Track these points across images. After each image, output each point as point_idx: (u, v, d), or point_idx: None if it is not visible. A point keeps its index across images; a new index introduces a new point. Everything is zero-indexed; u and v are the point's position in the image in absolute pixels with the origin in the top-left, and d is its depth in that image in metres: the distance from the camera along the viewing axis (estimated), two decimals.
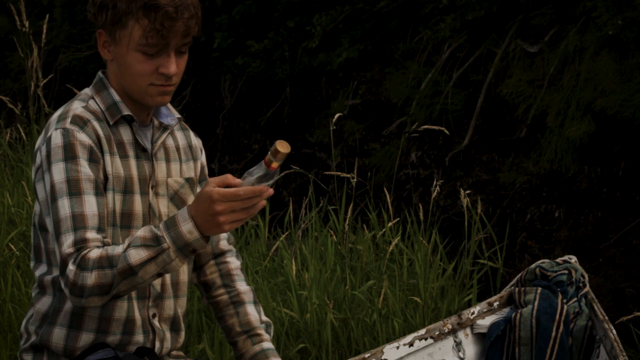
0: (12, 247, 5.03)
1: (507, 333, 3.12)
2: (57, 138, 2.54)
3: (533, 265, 3.24)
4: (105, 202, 2.55)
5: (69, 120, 2.56)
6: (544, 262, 3.24)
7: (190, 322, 4.54)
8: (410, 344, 3.01)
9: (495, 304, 3.20)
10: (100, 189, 2.54)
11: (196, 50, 8.23)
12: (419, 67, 6.93)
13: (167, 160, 2.71)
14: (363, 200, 5.82)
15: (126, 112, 2.62)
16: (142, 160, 2.65)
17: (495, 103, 6.48)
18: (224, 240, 2.87)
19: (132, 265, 2.42)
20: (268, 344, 2.79)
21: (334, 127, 5.30)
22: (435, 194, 4.87)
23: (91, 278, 2.44)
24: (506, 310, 3.20)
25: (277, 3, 7.85)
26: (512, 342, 3.11)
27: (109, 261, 2.44)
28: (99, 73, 2.68)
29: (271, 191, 2.37)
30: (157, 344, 2.69)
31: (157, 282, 2.67)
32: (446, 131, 5.27)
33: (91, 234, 2.48)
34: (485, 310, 3.17)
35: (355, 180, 4.86)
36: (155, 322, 2.68)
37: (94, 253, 2.45)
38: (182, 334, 2.77)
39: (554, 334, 3.09)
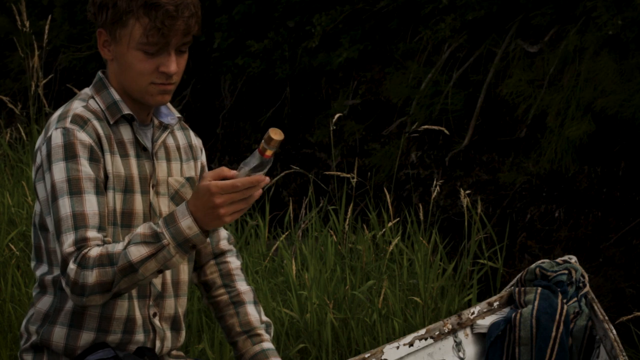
0: (12, 247, 5.03)
1: (507, 333, 3.12)
2: (57, 137, 2.55)
3: (533, 265, 3.24)
4: (105, 201, 2.55)
5: (69, 119, 2.57)
6: (544, 262, 3.24)
7: (190, 322, 4.54)
8: (410, 344, 3.01)
9: (495, 304, 3.20)
10: (101, 188, 2.55)
11: (196, 50, 8.23)
12: (419, 67, 6.93)
13: (168, 159, 2.72)
14: (363, 200, 5.82)
15: (126, 111, 2.63)
16: (143, 159, 2.66)
17: (495, 103, 6.48)
18: (224, 240, 2.88)
19: (132, 262, 2.42)
20: (268, 344, 2.79)
21: (334, 127, 5.30)
22: (435, 194, 4.87)
23: (92, 276, 2.44)
24: (506, 310, 3.20)
25: (277, 3, 7.85)
26: (512, 342, 3.11)
27: (110, 259, 2.44)
28: (99, 73, 2.68)
29: (267, 179, 2.39)
30: (158, 343, 2.69)
31: (157, 281, 2.67)
32: (446, 131, 5.28)
33: (92, 233, 2.48)
34: (485, 310, 3.17)
35: (355, 180, 4.86)
36: (156, 321, 2.68)
37: (95, 251, 2.46)
38: (183, 333, 2.77)
39: (554, 334, 3.09)
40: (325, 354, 4.29)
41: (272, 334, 2.83)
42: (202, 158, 2.84)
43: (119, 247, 2.45)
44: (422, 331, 3.05)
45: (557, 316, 3.10)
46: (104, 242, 2.49)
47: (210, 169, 2.67)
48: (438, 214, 6.23)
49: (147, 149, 2.67)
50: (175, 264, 2.46)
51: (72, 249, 2.47)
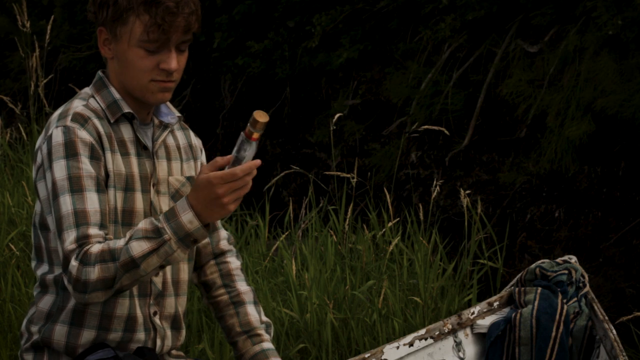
0: (12, 247, 5.03)
1: (507, 333, 3.12)
2: (58, 136, 2.55)
3: (533, 265, 3.24)
4: (107, 199, 2.56)
5: (69, 118, 2.57)
6: (544, 262, 3.24)
7: (190, 322, 4.54)
8: (410, 344, 3.01)
9: (495, 304, 3.20)
10: (102, 185, 2.55)
11: (196, 50, 8.23)
12: (419, 67, 6.93)
13: (168, 158, 2.72)
14: (363, 200, 5.82)
15: (127, 109, 2.63)
16: (143, 158, 2.66)
17: (495, 103, 6.48)
18: (224, 240, 2.88)
19: (134, 257, 2.43)
20: (268, 344, 2.79)
21: (334, 127, 5.30)
22: (435, 194, 4.87)
23: (94, 273, 2.44)
24: (506, 310, 3.20)
25: (277, 3, 7.85)
26: (512, 342, 3.11)
27: (111, 254, 2.44)
28: (99, 72, 2.69)
29: (259, 162, 2.42)
30: (159, 342, 2.69)
31: (158, 280, 2.67)
32: (446, 131, 5.28)
33: (94, 230, 2.49)
34: (485, 310, 3.18)
35: (355, 180, 4.86)
36: (157, 319, 2.68)
37: (96, 248, 2.46)
38: (183, 332, 2.78)
39: (554, 334, 3.09)
40: (325, 354, 4.29)
41: (272, 334, 2.83)
42: (202, 158, 2.84)
43: (120, 242, 2.45)
44: (422, 331, 3.05)
45: (557, 316, 3.10)
46: (106, 239, 2.50)
47: None
48: (438, 214, 6.23)
49: (147, 147, 2.67)
50: (177, 259, 2.46)
51: (73, 246, 2.47)
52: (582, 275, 3.22)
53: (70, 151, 2.53)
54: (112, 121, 2.63)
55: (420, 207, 4.94)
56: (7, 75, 9.79)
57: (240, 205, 5.90)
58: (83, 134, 2.55)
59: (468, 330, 3.15)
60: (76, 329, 2.62)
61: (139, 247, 2.43)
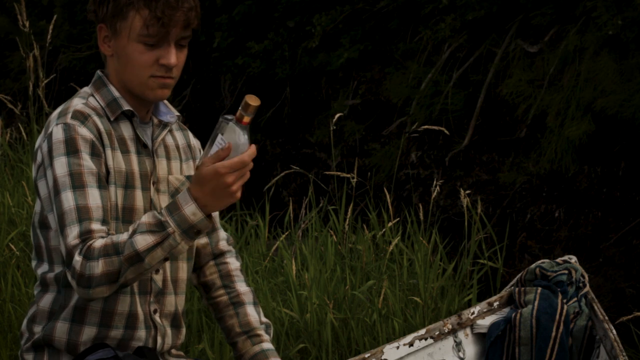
0: (12, 247, 5.03)
1: (507, 333, 3.12)
2: (58, 133, 2.56)
3: (533, 265, 3.24)
4: (108, 195, 2.56)
5: (69, 115, 2.58)
6: (544, 262, 3.24)
7: (190, 322, 4.54)
8: (410, 344, 3.01)
9: (495, 304, 3.20)
10: (103, 182, 2.56)
11: (196, 50, 8.23)
12: (419, 67, 6.93)
13: (168, 158, 2.73)
14: (363, 200, 5.82)
15: (126, 107, 2.64)
16: (143, 156, 2.67)
17: (495, 103, 6.48)
18: (223, 241, 2.88)
19: (138, 251, 2.44)
20: (268, 345, 2.79)
21: (334, 127, 5.30)
22: (435, 194, 4.87)
23: (98, 267, 2.45)
24: (506, 310, 3.20)
25: (277, 3, 7.85)
26: (512, 342, 3.11)
27: (115, 248, 2.45)
28: (98, 72, 2.70)
29: (253, 146, 2.47)
30: (159, 340, 2.70)
31: (158, 278, 2.68)
32: (446, 131, 5.28)
33: (96, 225, 2.50)
34: (485, 310, 3.18)
35: (355, 180, 4.86)
36: (157, 317, 2.68)
37: (99, 242, 2.47)
38: (183, 331, 2.78)
39: (554, 334, 3.09)
40: (325, 354, 4.29)
41: (271, 335, 2.84)
42: None
43: (123, 236, 2.46)
44: (422, 331, 3.05)
45: (557, 316, 3.10)
46: (109, 235, 2.50)
47: None
48: (438, 214, 6.23)
49: (147, 146, 2.68)
50: (181, 252, 2.48)
51: (77, 241, 2.48)
52: (582, 275, 3.22)
53: (71, 148, 2.54)
54: (111, 119, 2.64)
55: (420, 207, 4.94)
56: (7, 75, 9.79)
57: (241, 205, 5.90)
58: (83, 131, 2.56)
59: (468, 330, 3.15)
60: (77, 326, 2.62)
61: (143, 241, 2.44)
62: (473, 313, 3.15)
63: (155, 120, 2.72)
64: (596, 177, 5.84)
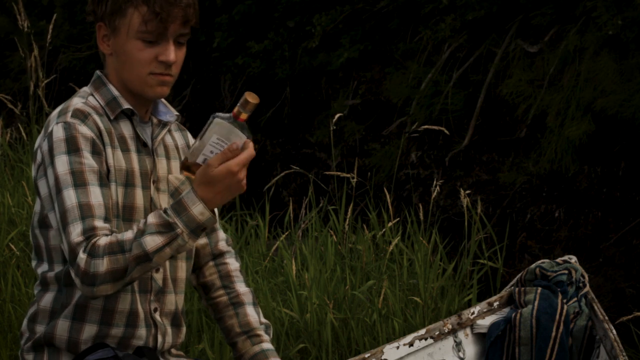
0: (12, 247, 5.03)
1: (507, 333, 3.12)
2: (58, 132, 2.56)
3: (533, 265, 3.24)
4: (109, 193, 2.57)
5: (69, 114, 2.58)
6: (544, 262, 3.24)
7: (190, 322, 4.54)
8: (410, 344, 3.01)
9: (495, 304, 3.20)
10: (105, 180, 2.56)
11: (196, 50, 8.23)
12: (419, 67, 6.93)
13: (167, 157, 2.73)
14: (363, 200, 5.82)
15: (126, 105, 2.65)
16: (143, 154, 2.68)
17: (495, 103, 6.48)
18: (222, 241, 2.88)
19: (148, 252, 2.45)
20: (268, 345, 2.79)
21: (334, 127, 5.30)
22: (435, 194, 4.87)
23: (103, 265, 2.45)
24: (506, 310, 3.20)
25: (277, 3, 7.85)
26: (512, 342, 3.11)
27: (120, 246, 2.46)
28: (97, 72, 2.71)
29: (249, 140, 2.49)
30: (160, 339, 2.70)
31: (158, 277, 2.68)
32: (446, 131, 5.28)
33: (99, 223, 2.50)
34: (485, 310, 3.17)
35: (355, 180, 4.86)
36: (157, 316, 2.69)
37: (104, 240, 2.47)
38: (183, 330, 2.78)
39: (554, 334, 3.09)
40: (325, 354, 4.29)
41: (271, 335, 2.84)
42: None
43: (128, 235, 2.47)
44: (422, 331, 3.05)
45: (557, 316, 3.10)
46: (112, 232, 2.51)
47: None
48: (438, 214, 6.23)
49: (147, 144, 2.68)
50: (188, 249, 2.52)
51: (80, 238, 2.48)
52: (582, 275, 3.22)
53: (72, 146, 2.54)
54: (111, 118, 2.64)
55: (420, 207, 4.94)
56: (7, 75, 9.79)
57: (241, 205, 5.91)
58: (84, 130, 2.56)
59: (468, 330, 3.15)
60: (78, 324, 2.62)
61: (152, 242, 2.45)
62: (473, 313, 3.15)
63: (155, 120, 2.73)
64: (596, 177, 5.84)
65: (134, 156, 2.65)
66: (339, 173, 4.88)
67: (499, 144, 6.45)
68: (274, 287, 4.73)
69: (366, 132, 7.28)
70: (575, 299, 3.18)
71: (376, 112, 7.27)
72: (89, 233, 2.48)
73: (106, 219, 2.52)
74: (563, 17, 6.24)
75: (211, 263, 2.86)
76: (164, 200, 2.69)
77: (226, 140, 2.45)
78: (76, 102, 2.63)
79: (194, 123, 8.26)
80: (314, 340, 4.35)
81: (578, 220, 5.88)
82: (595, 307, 3.18)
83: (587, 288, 3.22)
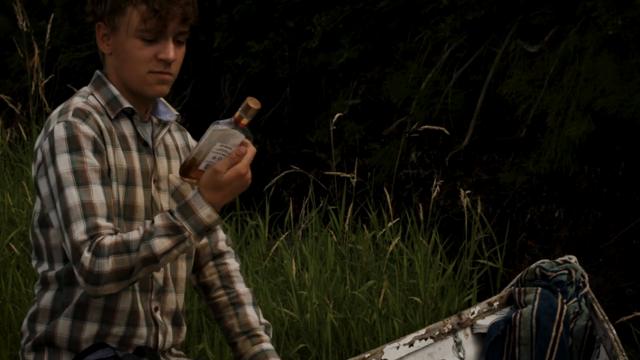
0: (13, 247, 5.03)
1: (507, 333, 3.12)
2: (60, 131, 2.56)
3: (533, 265, 3.24)
4: (111, 192, 2.57)
5: (70, 113, 2.59)
6: (544, 262, 3.24)
7: (190, 322, 4.54)
8: (410, 344, 3.01)
9: (495, 304, 3.20)
10: (107, 179, 2.57)
11: (196, 50, 8.23)
12: (419, 67, 6.93)
13: (168, 157, 2.74)
14: (363, 200, 5.82)
15: (127, 104, 2.65)
16: (144, 154, 2.68)
17: (495, 103, 6.48)
18: (222, 242, 2.89)
19: (156, 254, 2.47)
20: (268, 345, 2.79)
21: (334, 127, 5.30)
22: (435, 194, 4.87)
23: (108, 264, 2.46)
24: (506, 310, 3.20)
25: (277, 3, 7.85)
26: (512, 342, 3.11)
27: (126, 246, 2.47)
28: (97, 71, 2.71)
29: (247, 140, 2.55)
30: (160, 338, 2.70)
31: (159, 276, 2.68)
32: (446, 131, 5.28)
33: (102, 221, 2.50)
34: (485, 310, 3.17)
35: (355, 180, 4.86)
36: (158, 315, 2.69)
37: (109, 240, 2.48)
38: (184, 329, 2.79)
39: (554, 334, 3.09)
40: (325, 354, 4.29)
41: (271, 335, 2.84)
42: None
43: (134, 235, 2.48)
44: (422, 331, 3.05)
45: (557, 316, 3.10)
46: (115, 231, 2.51)
47: None
48: (438, 214, 6.23)
49: (147, 143, 2.69)
50: (193, 249, 2.60)
51: (84, 237, 2.48)
52: (582, 275, 3.22)
53: (74, 145, 2.55)
54: (112, 117, 2.65)
55: (420, 207, 4.94)
56: (7, 75, 9.79)
57: (241, 205, 5.91)
58: (85, 129, 2.57)
59: (468, 330, 3.15)
60: (79, 323, 2.62)
61: (161, 244, 2.47)
62: (473, 313, 3.15)
63: (155, 120, 2.73)
64: (596, 177, 5.84)
65: (135, 155, 2.66)
66: (339, 173, 4.88)
67: (499, 144, 6.45)
68: (274, 287, 4.73)
69: (366, 132, 7.28)
70: (575, 299, 3.18)
71: (376, 112, 7.27)
72: (93, 232, 2.48)
73: (109, 218, 2.52)
74: (563, 17, 6.24)
75: (211, 263, 2.87)
76: (164, 200, 2.69)
77: (230, 145, 2.47)
78: (77, 101, 2.63)
79: (194, 123, 8.26)
80: (314, 340, 4.35)
81: (578, 220, 5.88)
82: (595, 307, 3.18)
83: (587, 288, 3.22)
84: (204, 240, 2.85)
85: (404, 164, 6.87)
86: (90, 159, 2.55)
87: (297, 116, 7.92)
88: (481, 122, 6.55)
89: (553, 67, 6.09)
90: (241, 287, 2.85)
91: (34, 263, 2.71)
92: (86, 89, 2.69)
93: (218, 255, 2.88)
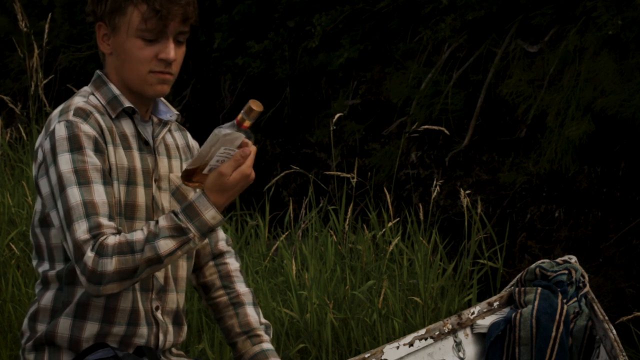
0: (13, 247, 5.03)
1: (507, 333, 3.12)
2: (61, 130, 2.56)
3: (533, 265, 3.24)
4: (112, 191, 2.57)
5: (71, 112, 2.59)
6: (544, 262, 3.24)
7: (190, 322, 4.54)
8: (410, 344, 3.01)
9: (495, 304, 3.20)
10: (108, 178, 2.57)
11: (196, 50, 8.23)
12: (419, 67, 6.93)
13: (168, 156, 2.74)
14: (363, 200, 5.82)
15: (127, 104, 2.65)
16: (145, 153, 2.68)
17: (495, 103, 6.48)
18: (222, 241, 2.89)
19: (161, 255, 2.48)
20: (268, 345, 2.80)
21: (334, 127, 5.30)
22: (435, 194, 4.87)
23: (111, 264, 2.46)
24: (506, 310, 3.20)
25: (277, 3, 7.85)
26: (512, 342, 3.11)
27: (130, 246, 2.47)
28: (97, 71, 2.71)
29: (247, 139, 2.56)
30: (161, 337, 2.70)
31: (160, 275, 2.69)
32: (446, 131, 5.28)
33: (104, 221, 2.50)
34: (485, 310, 3.17)
35: (355, 180, 4.86)
36: (158, 314, 2.69)
37: (112, 239, 2.48)
38: (184, 328, 2.79)
39: (554, 334, 3.09)
40: (325, 354, 4.29)
41: (271, 335, 2.84)
42: None
43: (138, 235, 2.48)
44: (422, 331, 3.05)
45: (557, 316, 3.10)
46: (118, 231, 2.51)
47: None
48: (438, 214, 6.23)
49: (148, 143, 2.69)
50: (195, 249, 2.61)
51: (87, 236, 2.48)
52: (582, 275, 3.22)
53: (75, 145, 2.55)
54: (113, 117, 2.65)
55: (420, 207, 4.94)
56: (7, 75, 9.79)
57: (241, 205, 5.91)
58: (86, 128, 2.57)
59: (468, 330, 3.15)
60: (80, 322, 2.62)
61: (165, 246, 2.48)
62: (473, 313, 3.15)
63: (155, 119, 2.73)
64: (596, 177, 5.84)
65: (136, 154, 2.66)
66: (339, 173, 4.88)
67: (499, 144, 6.45)
68: (274, 287, 4.73)
69: (366, 132, 7.28)
70: (575, 299, 3.18)
71: (376, 112, 7.27)
72: (96, 231, 2.49)
73: (110, 217, 2.53)
74: (563, 17, 6.24)
75: (211, 263, 2.87)
76: (165, 199, 2.69)
77: (233, 148, 2.49)
78: (77, 101, 2.63)
79: (194, 123, 8.26)
80: (314, 340, 4.35)
81: (578, 220, 5.88)
82: (595, 307, 3.18)
83: (587, 288, 3.22)
84: (204, 240, 2.85)
85: (404, 164, 6.87)
86: (92, 158, 2.55)
87: (297, 116, 7.92)
88: (481, 122, 6.55)
89: (553, 67, 6.09)
90: (241, 287, 2.85)
91: (34, 263, 2.71)
92: (87, 89, 2.69)
93: (218, 255, 2.88)
